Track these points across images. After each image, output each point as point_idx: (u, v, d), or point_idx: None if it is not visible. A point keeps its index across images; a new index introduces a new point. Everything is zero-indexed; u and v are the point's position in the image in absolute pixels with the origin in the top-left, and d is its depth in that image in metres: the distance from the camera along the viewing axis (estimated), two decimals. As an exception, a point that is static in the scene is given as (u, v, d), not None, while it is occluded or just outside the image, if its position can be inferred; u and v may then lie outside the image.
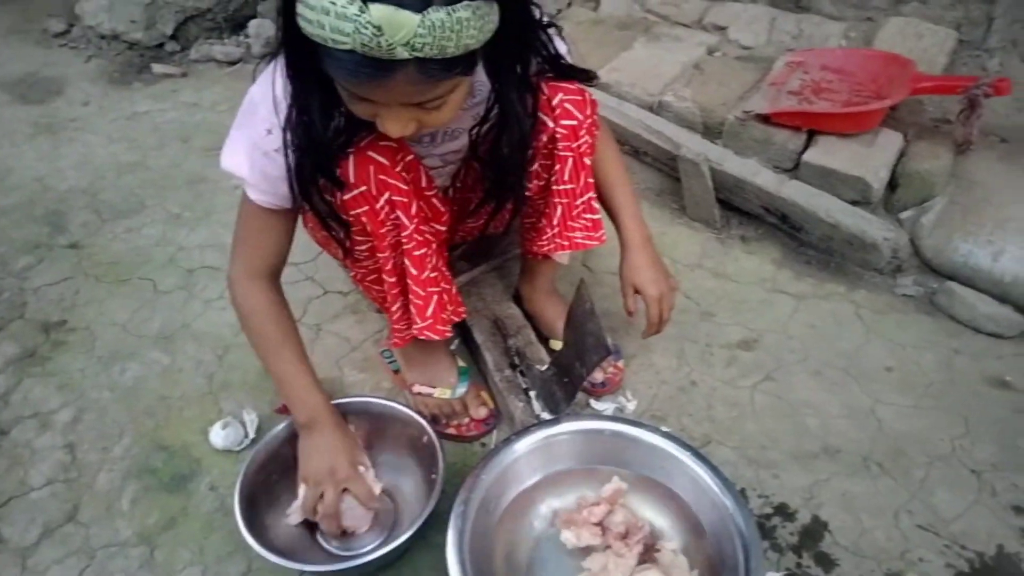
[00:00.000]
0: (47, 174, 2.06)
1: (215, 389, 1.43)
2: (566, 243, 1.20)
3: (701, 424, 1.33)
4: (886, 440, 1.29)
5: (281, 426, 1.20)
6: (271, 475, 1.16)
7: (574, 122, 1.08)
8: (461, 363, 1.36)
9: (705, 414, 1.35)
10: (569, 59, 1.08)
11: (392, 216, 1.01)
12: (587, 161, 1.13)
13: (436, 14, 0.70)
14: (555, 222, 1.18)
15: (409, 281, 1.07)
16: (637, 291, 1.24)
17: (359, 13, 0.69)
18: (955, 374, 1.41)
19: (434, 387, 1.32)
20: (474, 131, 1.04)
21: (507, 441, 1.13)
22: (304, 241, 1.73)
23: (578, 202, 1.16)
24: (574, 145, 1.10)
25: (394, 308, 1.13)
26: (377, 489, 1.13)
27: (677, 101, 1.89)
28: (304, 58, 0.81)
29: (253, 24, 2.71)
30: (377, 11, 0.69)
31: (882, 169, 1.62)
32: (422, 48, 0.71)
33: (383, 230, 1.02)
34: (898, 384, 1.39)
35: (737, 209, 1.76)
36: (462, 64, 0.78)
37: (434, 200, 1.09)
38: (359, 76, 0.76)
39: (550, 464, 1.15)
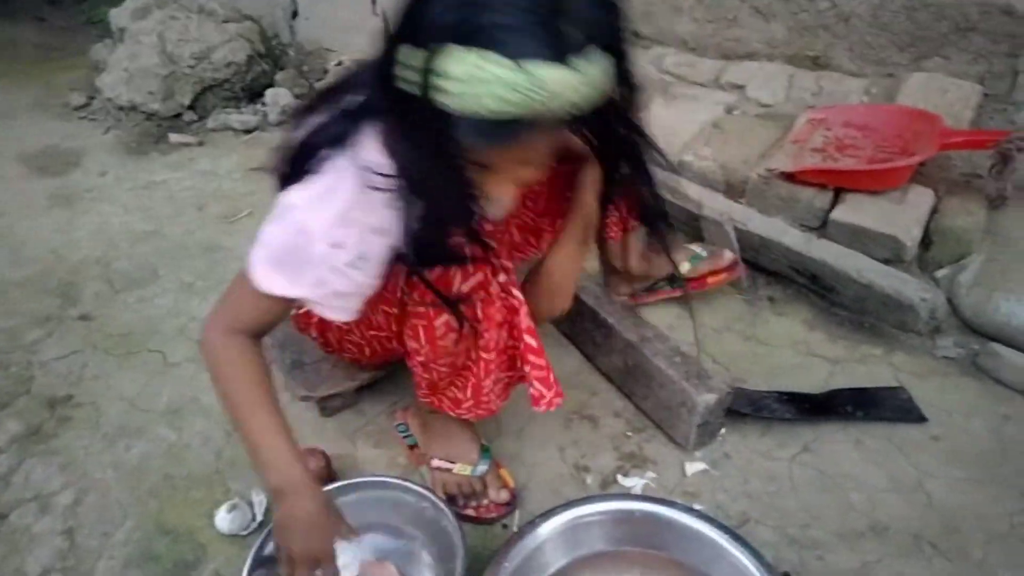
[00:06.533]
0: (61, 245, 2.05)
1: (223, 467, 1.36)
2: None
3: (737, 501, 1.24)
4: (938, 516, 1.20)
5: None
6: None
7: None
8: (483, 441, 1.29)
9: (741, 489, 1.26)
10: None
11: (502, 296, 1.03)
12: None
13: (590, 67, 0.71)
14: None
15: (531, 356, 1.07)
16: None
17: (529, 83, 0.68)
18: (1007, 443, 1.32)
19: (454, 462, 1.26)
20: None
21: (531, 524, 1.06)
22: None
23: None
24: None
25: (485, 383, 1.13)
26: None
27: (698, 160, 1.85)
28: (429, 136, 0.78)
29: (270, 93, 2.74)
30: (548, 75, 0.69)
31: (914, 226, 1.56)
32: (583, 102, 0.72)
33: (493, 310, 1.03)
34: (946, 454, 1.30)
35: (764, 269, 1.70)
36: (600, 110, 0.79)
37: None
38: (508, 141, 0.74)
39: (576, 548, 1.07)
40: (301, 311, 1.27)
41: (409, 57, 0.72)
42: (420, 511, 1.15)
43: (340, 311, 0.98)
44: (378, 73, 0.79)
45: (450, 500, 1.23)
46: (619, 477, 1.29)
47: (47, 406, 1.53)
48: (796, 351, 1.53)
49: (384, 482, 1.19)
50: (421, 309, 1.03)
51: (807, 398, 1.37)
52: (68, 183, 2.37)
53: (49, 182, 2.39)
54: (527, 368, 1.08)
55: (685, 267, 1.58)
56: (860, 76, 2.15)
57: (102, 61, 2.96)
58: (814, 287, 1.62)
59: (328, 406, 1.46)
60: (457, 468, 1.25)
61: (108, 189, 2.32)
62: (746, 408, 1.34)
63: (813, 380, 1.45)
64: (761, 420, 1.35)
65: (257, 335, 1.01)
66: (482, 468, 1.25)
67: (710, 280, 1.60)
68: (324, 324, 1.27)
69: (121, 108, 2.71)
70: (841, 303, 1.59)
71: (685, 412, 1.29)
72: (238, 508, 1.25)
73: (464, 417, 1.19)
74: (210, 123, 2.68)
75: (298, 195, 0.89)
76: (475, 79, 0.68)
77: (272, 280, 0.93)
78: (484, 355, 1.08)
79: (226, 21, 2.88)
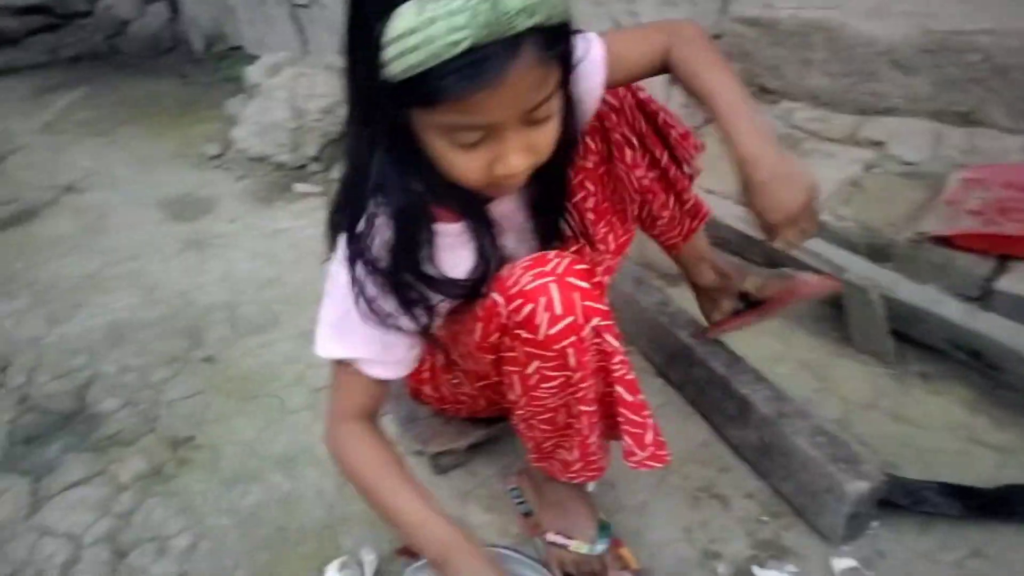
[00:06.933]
0: (191, 288, 2.13)
1: (334, 522, 1.33)
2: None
3: (896, 608, 1.10)
4: None
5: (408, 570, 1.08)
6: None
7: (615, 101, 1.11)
8: (602, 516, 1.20)
9: (900, 596, 1.12)
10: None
11: (596, 342, 0.92)
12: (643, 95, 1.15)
13: None
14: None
15: (624, 410, 0.97)
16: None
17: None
18: None
19: (571, 538, 1.17)
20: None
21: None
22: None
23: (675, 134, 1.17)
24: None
25: (591, 440, 1.03)
26: None
27: (836, 221, 1.73)
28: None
29: (391, 145, 2.81)
30: None
31: (1097, 301, 1.39)
32: (538, 8, 0.69)
33: (587, 358, 0.92)
34: None
35: (913, 341, 1.55)
36: (567, 31, 0.76)
37: None
38: (483, 75, 0.69)
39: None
40: (411, 376, 1.24)
41: (365, 47, 0.71)
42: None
43: (393, 366, 0.99)
44: (353, 89, 0.79)
45: (565, 581, 1.15)
46: (755, 569, 1.17)
47: (170, 446, 1.55)
48: (955, 436, 1.37)
49: (498, 553, 1.12)
50: (512, 355, 0.96)
51: (976, 493, 1.21)
52: (200, 229, 2.49)
53: (183, 227, 2.51)
54: (620, 421, 0.98)
55: (755, 281, 1.37)
56: (1019, 133, 1.97)
57: (236, 115, 3.14)
58: (975, 364, 1.45)
59: (441, 463, 1.42)
60: (574, 545, 1.17)
61: (236, 236, 2.42)
62: (903, 500, 1.19)
63: (978, 471, 1.28)
64: (920, 515, 1.20)
65: (370, 416, 1.02)
66: (601, 547, 1.16)
67: (788, 298, 1.34)
68: (436, 380, 1.24)
69: (252, 159, 2.85)
70: (1009, 384, 1.41)
71: (832, 500, 1.16)
72: (348, 567, 1.21)
73: (576, 481, 1.11)
74: (333, 174, 2.77)
75: (335, 262, 0.92)
76: (425, 21, 0.66)
77: (331, 347, 0.96)
78: (584, 408, 0.98)
79: (353, 77, 3.00)
